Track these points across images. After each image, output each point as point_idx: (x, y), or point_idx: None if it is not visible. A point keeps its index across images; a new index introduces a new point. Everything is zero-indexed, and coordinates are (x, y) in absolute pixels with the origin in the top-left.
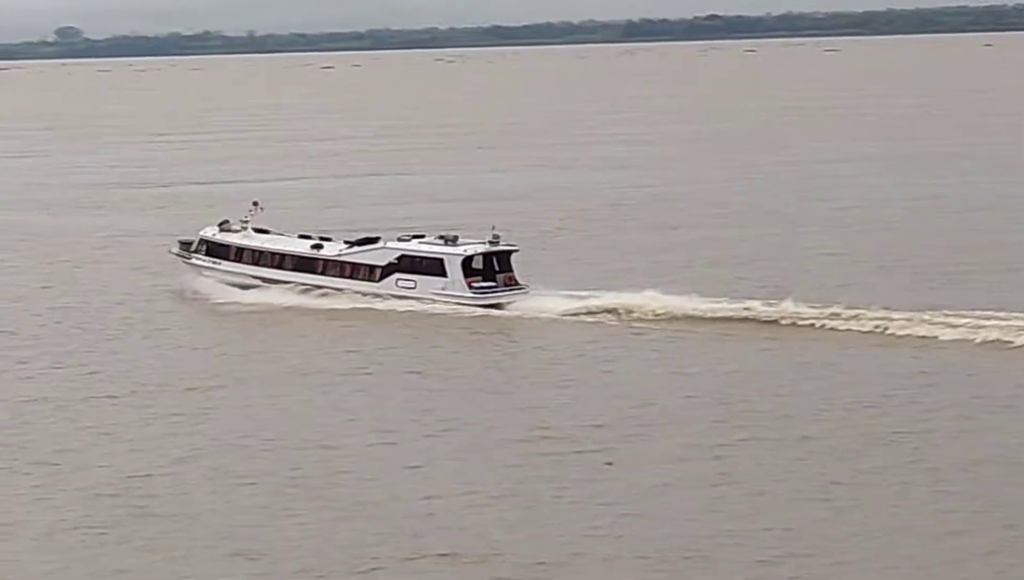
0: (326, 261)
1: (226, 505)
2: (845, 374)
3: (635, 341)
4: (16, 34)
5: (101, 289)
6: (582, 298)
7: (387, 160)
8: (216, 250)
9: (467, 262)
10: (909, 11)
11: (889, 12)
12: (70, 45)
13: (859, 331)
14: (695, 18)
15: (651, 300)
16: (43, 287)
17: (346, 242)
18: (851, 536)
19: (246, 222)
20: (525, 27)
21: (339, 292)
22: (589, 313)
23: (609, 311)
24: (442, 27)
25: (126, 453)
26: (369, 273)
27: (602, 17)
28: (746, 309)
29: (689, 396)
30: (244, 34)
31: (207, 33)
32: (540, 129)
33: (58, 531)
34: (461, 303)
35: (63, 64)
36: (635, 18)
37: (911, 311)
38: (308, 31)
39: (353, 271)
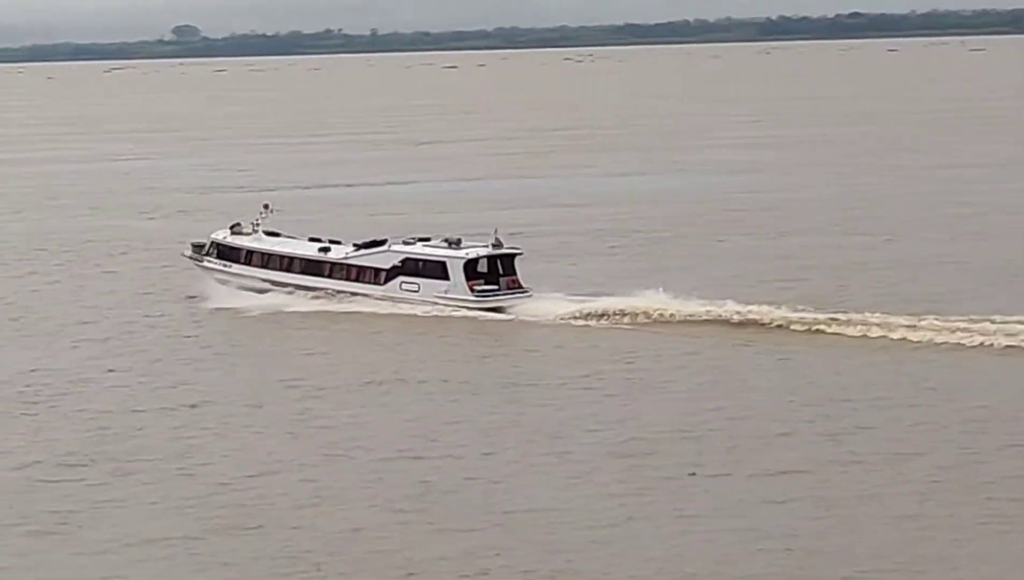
0: (332, 264)
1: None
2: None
3: (740, 351)
4: (133, 33)
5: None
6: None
7: (502, 164)
8: (227, 253)
9: (470, 265)
10: None
11: None
12: (187, 44)
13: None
14: (837, 16)
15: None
16: (142, 293)
17: (354, 245)
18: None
19: (257, 225)
20: (658, 25)
21: (352, 295)
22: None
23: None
24: (572, 25)
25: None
26: (374, 276)
27: (739, 15)
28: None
29: (825, 414)
30: (367, 32)
31: (328, 32)
32: (667, 131)
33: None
34: (463, 306)
35: (180, 63)
36: (773, 15)
37: None
38: (433, 29)
39: (359, 274)
